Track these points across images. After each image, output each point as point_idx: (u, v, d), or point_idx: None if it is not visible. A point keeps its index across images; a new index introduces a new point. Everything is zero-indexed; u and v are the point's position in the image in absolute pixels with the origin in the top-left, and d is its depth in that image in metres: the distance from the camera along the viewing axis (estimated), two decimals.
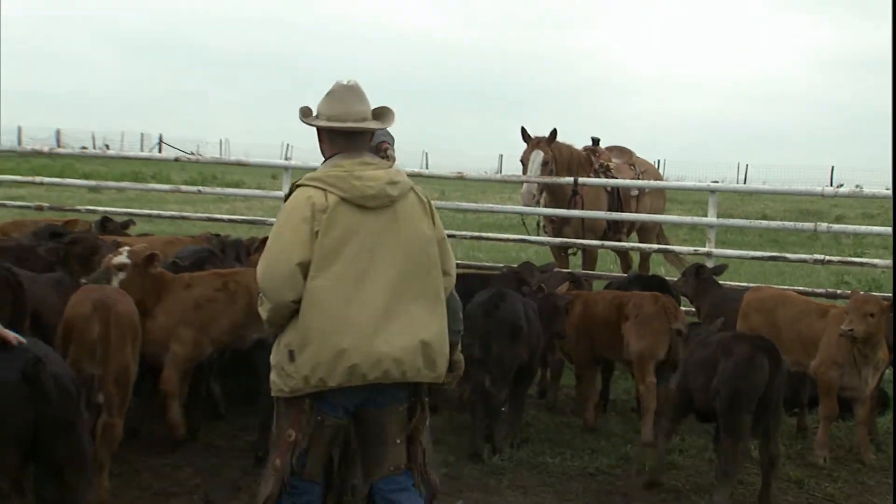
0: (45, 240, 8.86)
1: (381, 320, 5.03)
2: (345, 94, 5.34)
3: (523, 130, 12.31)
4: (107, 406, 6.64)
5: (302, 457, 5.09)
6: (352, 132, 5.28)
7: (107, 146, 49.88)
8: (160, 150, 50.44)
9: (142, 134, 65.18)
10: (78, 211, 13.81)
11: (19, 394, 5.33)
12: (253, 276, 5.77)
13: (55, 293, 7.49)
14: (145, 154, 34.05)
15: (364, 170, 5.17)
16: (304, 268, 5.03)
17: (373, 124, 5.39)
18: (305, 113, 5.42)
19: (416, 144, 58.75)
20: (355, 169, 5.17)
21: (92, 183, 18.45)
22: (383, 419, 5.18)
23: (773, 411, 7.11)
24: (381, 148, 7.11)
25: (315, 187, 5.11)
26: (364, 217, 5.08)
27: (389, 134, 7.15)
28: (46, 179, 16.25)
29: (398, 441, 5.21)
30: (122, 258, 7.57)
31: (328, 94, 5.36)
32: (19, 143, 41.94)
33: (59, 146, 33.95)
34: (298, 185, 5.21)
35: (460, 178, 13.65)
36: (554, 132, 12.29)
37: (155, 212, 15.51)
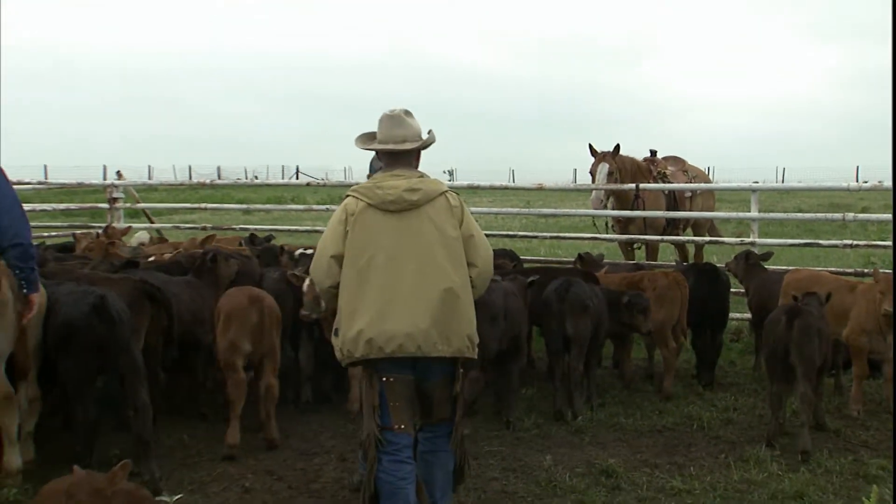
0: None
1: (395, 303, 5.06)
2: (387, 121, 5.46)
3: (591, 146, 12.21)
4: (266, 372, 7.25)
5: (384, 413, 5.12)
6: (391, 152, 5.42)
7: (255, 177, 50.82)
8: (297, 178, 51.40)
9: (283, 166, 66.55)
10: (234, 230, 13.98)
11: (91, 319, 6.40)
12: None
13: (186, 289, 8.09)
14: (285, 181, 35.08)
15: (388, 180, 5.30)
16: (339, 260, 5.24)
17: (409, 145, 5.41)
18: (363, 140, 5.56)
19: (504, 163, 60.03)
20: (382, 180, 5.33)
21: (245, 206, 18.69)
22: (428, 386, 5.21)
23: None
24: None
25: (352, 196, 5.32)
26: (387, 218, 5.20)
27: None
28: (210, 206, 16.53)
29: (441, 402, 5.25)
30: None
31: (378, 122, 5.46)
32: (189, 177, 42.78)
33: (219, 179, 34.38)
34: (346, 195, 5.38)
35: (541, 188, 13.58)
36: (617, 147, 12.17)
37: (293, 228, 15.71)
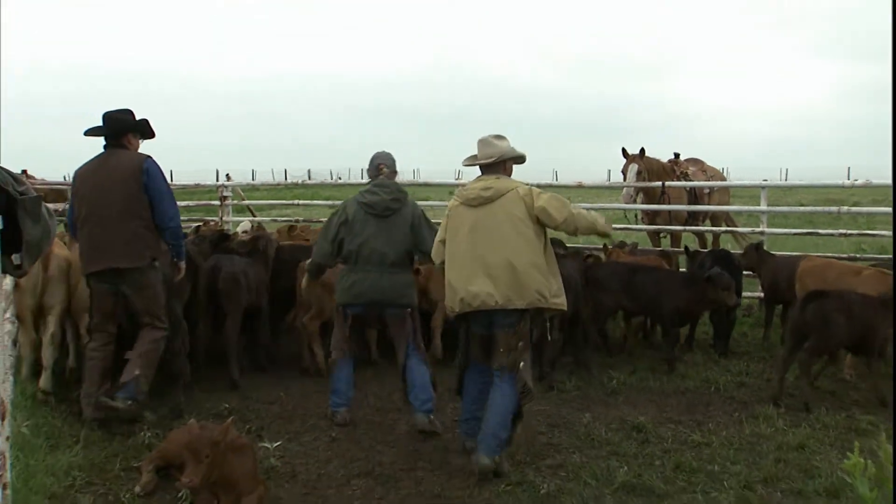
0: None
1: (477, 271, 5.66)
2: (480, 143, 6.02)
3: (623, 150, 12.18)
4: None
5: (466, 352, 5.95)
6: (482, 165, 6.00)
7: (339, 178, 51.22)
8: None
9: (361, 168, 66.84)
10: (321, 222, 14.03)
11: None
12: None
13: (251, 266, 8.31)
14: (364, 181, 35.12)
15: (473, 184, 5.96)
16: (443, 243, 5.97)
17: (492, 160, 5.94)
18: (468, 160, 6.09)
19: (548, 163, 60.40)
20: (471, 184, 5.99)
21: (330, 202, 18.72)
22: (498, 333, 5.70)
23: None
24: (379, 168, 6.98)
25: (454, 196, 6.02)
26: (469, 211, 5.82)
27: (390, 157, 7.01)
28: (302, 202, 16.61)
29: (503, 349, 5.68)
30: None
31: (476, 143, 6.07)
32: (285, 178, 43.25)
33: (309, 179, 34.65)
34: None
35: (580, 186, 13.41)
36: (643, 149, 12.17)
37: None
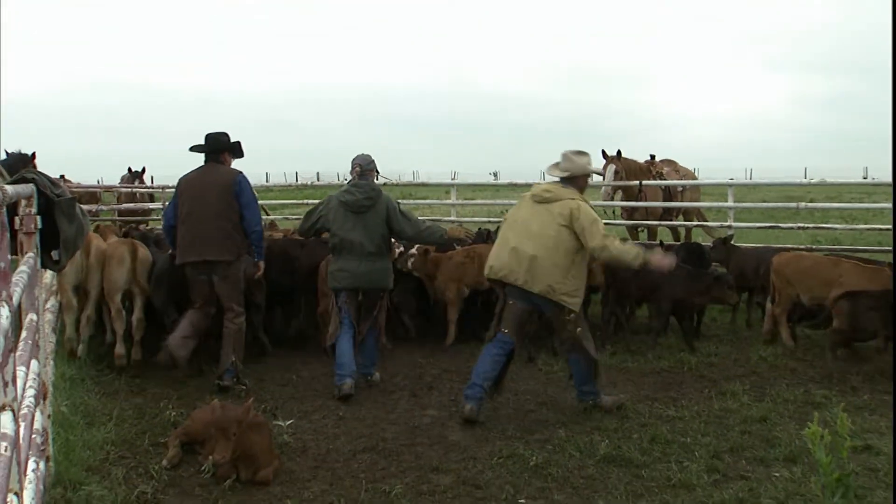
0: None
1: (511, 250, 6.26)
2: (562, 156, 6.51)
3: (603, 151, 12.20)
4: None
5: (499, 321, 6.44)
6: (560, 178, 6.48)
7: (345, 179, 51.17)
8: (377, 179, 51.62)
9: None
10: None
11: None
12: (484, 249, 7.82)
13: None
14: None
15: (544, 184, 6.62)
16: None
17: (566, 174, 6.45)
18: (549, 168, 6.57)
19: (536, 163, 61.55)
20: (542, 183, 6.70)
21: None
22: (550, 313, 6.38)
23: None
24: (354, 169, 7.38)
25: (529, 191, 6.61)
26: (531, 205, 6.40)
27: (366, 158, 7.35)
28: (312, 202, 16.56)
29: (558, 328, 6.45)
30: (412, 251, 8.59)
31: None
32: (296, 180, 43.22)
33: (318, 181, 34.69)
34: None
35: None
36: (619, 151, 12.25)
37: None
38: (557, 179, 6.49)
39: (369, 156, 7.40)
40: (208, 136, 7.36)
